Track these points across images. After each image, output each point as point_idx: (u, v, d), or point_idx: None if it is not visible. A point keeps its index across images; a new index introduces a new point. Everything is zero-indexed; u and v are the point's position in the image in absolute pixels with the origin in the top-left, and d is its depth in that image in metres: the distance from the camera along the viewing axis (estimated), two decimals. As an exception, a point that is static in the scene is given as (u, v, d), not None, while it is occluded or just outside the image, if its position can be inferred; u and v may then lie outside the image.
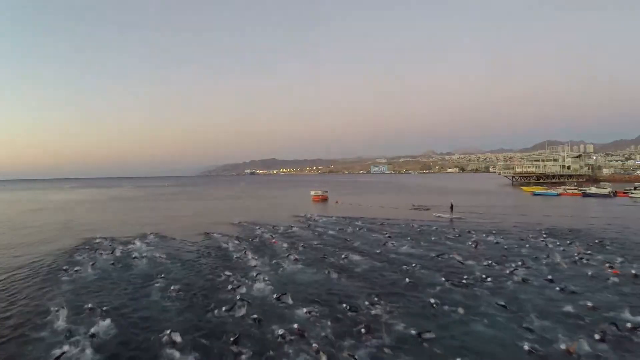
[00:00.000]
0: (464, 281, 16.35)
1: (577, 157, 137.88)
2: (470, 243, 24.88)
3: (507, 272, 17.87)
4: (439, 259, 20.79)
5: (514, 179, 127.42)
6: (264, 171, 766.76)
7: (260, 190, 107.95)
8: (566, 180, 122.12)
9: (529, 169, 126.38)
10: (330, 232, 29.59)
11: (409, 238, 26.44)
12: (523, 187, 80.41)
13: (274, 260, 20.16)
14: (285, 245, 24.40)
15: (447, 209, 40.67)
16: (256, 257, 20.74)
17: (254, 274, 17.29)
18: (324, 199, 61.19)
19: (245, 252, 22.00)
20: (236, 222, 36.17)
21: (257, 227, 31.96)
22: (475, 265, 19.34)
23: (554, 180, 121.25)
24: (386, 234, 28.20)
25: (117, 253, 22.92)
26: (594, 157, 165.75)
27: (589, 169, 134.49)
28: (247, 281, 16.44)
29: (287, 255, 21.15)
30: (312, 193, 62.98)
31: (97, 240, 27.33)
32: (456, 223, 34.70)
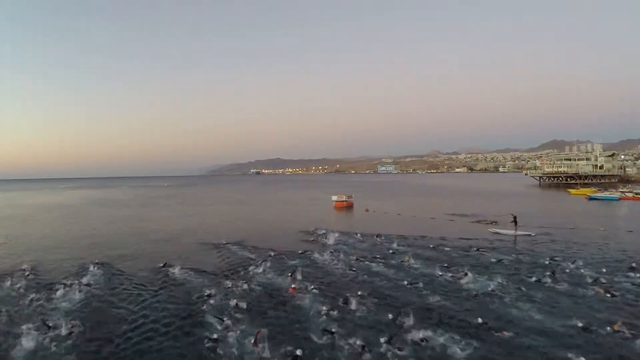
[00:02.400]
0: None
1: (610, 156, 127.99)
2: (595, 289, 14.82)
3: None
4: (608, 338, 10.65)
5: (541, 180, 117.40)
6: (270, 171, 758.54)
7: (268, 192, 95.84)
8: (598, 180, 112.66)
9: (560, 169, 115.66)
10: (374, 265, 19.17)
11: (498, 280, 16.28)
12: (570, 190, 69.29)
13: (296, 349, 9.84)
14: (307, 298, 14.19)
15: (496, 217, 30.74)
16: (257, 337, 10.47)
17: None
18: (349, 206, 49.93)
19: (235, 321, 11.80)
20: (231, 242, 25.92)
21: (260, 254, 21.83)
22: None
23: (586, 181, 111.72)
24: (459, 269, 17.97)
25: (14, 315, 12.95)
26: (622, 157, 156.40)
27: (620, 168, 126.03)
28: None
29: (321, 332, 10.98)
30: (335, 198, 50.99)
31: (15, 278, 17.42)
32: (530, 245, 24.37)
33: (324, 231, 29.37)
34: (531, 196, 70.79)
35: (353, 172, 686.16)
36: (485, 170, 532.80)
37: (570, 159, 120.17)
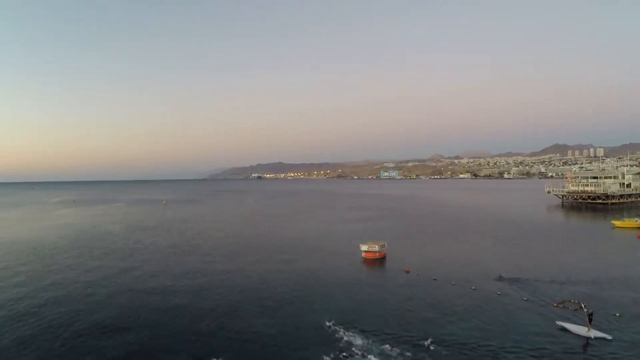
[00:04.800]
0: None
1: (638, 174, 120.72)
2: None
3: None
4: None
5: (564, 199, 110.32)
6: (271, 175, 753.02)
7: (275, 220, 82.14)
8: (626, 199, 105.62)
9: (586, 188, 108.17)
10: None
11: None
12: (615, 223, 60.96)
13: None
14: None
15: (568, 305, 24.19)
16: None
17: None
18: (382, 257, 40.79)
19: None
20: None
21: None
22: None
23: (614, 201, 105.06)
24: None
25: None
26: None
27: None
28: None
29: None
30: (365, 248, 41.65)
31: None
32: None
33: (347, 332, 21.29)
34: (565, 229, 63.15)
35: (356, 177, 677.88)
36: (490, 176, 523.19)
37: (596, 177, 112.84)
